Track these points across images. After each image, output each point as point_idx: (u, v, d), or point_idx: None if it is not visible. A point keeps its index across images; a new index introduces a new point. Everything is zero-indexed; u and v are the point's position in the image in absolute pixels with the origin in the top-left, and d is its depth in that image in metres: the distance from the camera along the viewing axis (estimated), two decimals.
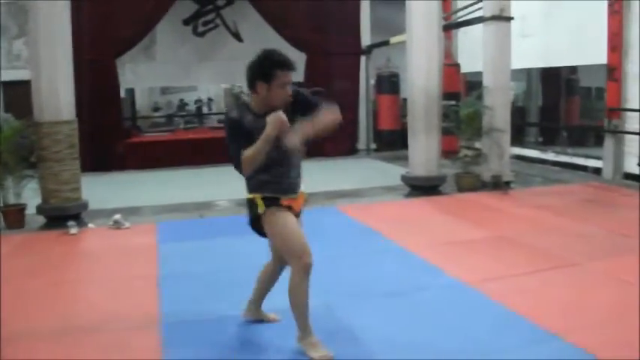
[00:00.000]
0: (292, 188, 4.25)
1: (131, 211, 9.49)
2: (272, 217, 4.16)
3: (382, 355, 4.33)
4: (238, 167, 4.04)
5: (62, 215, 8.65)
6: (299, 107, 4.13)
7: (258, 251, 6.98)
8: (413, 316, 5.02)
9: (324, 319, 4.80)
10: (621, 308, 5.08)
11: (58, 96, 8.67)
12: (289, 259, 4.19)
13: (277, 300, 4.66)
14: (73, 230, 8.23)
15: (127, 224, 8.57)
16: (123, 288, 5.97)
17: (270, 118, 3.89)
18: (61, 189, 8.76)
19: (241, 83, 23.03)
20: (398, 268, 6.31)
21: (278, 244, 4.24)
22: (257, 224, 4.26)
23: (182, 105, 23.29)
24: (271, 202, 4.15)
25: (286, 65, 4.01)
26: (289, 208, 4.20)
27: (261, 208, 4.15)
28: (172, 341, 4.60)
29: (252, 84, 4.05)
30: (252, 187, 4.20)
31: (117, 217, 8.61)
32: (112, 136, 14.41)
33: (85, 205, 9.09)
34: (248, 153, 3.93)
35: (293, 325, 4.34)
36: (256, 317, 4.92)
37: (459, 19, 14.31)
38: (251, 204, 4.22)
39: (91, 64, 13.42)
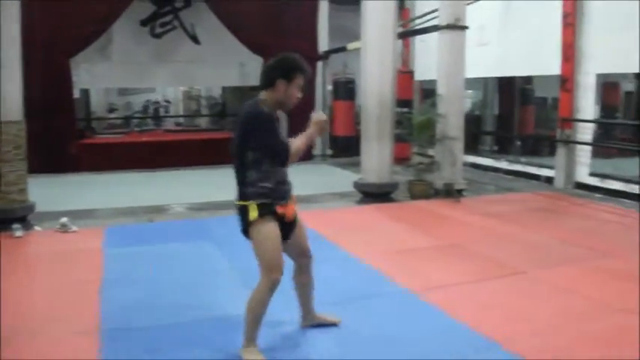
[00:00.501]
0: (287, 194, 4.35)
1: (80, 214, 9.31)
2: (260, 226, 4.19)
3: None
4: (285, 157, 4.16)
5: (8, 217, 8.43)
6: None
7: (203, 257, 7.01)
8: (356, 325, 4.96)
9: (267, 328, 4.77)
10: (562, 317, 5.13)
11: (4, 96, 8.48)
12: (261, 270, 4.22)
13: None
14: (18, 233, 8.06)
15: (75, 228, 8.40)
16: (64, 293, 5.83)
17: (316, 120, 4.26)
18: (7, 190, 8.57)
19: (199, 86, 23.02)
20: (345, 277, 6.25)
21: (257, 252, 4.24)
22: (248, 231, 4.28)
23: (146, 106, 23.16)
24: (266, 210, 4.19)
25: (305, 70, 4.28)
26: (282, 216, 4.26)
27: (253, 215, 4.17)
28: (110, 348, 4.51)
29: (271, 81, 4.19)
30: (247, 194, 4.20)
31: (64, 220, 8.44)
32: (64, 137, 14.11)
33: (31, 208, 8.91)
34: (297, 146, 4.17)
35: (234, 333, 4.30)
36: (314, 323, 4.89)
37: (417, 27, 14.37)
38: (244, 211, 4.21)
39: (43, 63, 13.21)
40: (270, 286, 4.19)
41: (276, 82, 4.17)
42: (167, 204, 10.28)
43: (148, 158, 14.83)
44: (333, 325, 4.90)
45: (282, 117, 4.35)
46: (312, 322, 4.88)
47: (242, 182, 4.21)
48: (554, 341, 4.61)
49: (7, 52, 8.54)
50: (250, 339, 4.27)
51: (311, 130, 4.23)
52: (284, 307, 4.85)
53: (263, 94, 4.22)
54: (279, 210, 4.23)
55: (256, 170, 4.14)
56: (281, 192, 4.27)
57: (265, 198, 4.17)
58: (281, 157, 4.14)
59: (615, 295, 5.64)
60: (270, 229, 4.20)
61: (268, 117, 4.12)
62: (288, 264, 4.46)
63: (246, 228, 4.24)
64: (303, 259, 4.65)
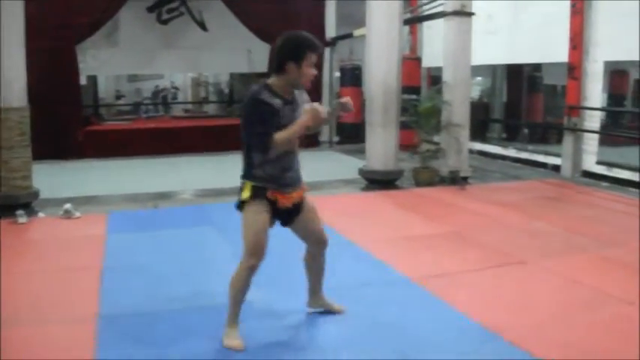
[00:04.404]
0: (292, 181, 4.37)
1: (85, 201, 9.34)
2: (250, 207, 4.24)
3: (314, 352, 4.31)
4: (265, 148, 4.10)
5: (12, 204, 8.44)
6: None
7: (206, 243, 7.00)
8: (354, 312, 4.93)
9: (260, 315, 4.79)
10: (564, 307, 5.09)
11: (8, 83, 8.48)
12: (244, 251, 4.25)
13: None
14: (22, 219, 8.07)
15: (78, 214, 8.40)
16: (64, 280, 5.82)
17: (308, 110, 4.12)
18: (11, 177, 8.59)
19: (207, 72, 23.00)
20: (344, 264, 6.16)
21: (243, 233, 4.26)
22: (240, 208, 4.32)
23: (155, 92, 23.19)
24: (258, 193, 4.21)
25: (315, 46, 4.23)
26: (274, 202, 4.26)
27: (245, 195, 4.22)
28: (106, 335, 4.50)
29: (280, 66, 4.17)
30: (247, 174, 4.27)
31: (67, 206, 8.44)
32: (71, 124, 14.13)
33: (35, 194, 8.92)
34: (282, 135, 4.08)
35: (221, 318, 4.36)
36: (319, 307, 4.93)
37: (424, 14, 14.28)
38: (241, 188, 4.28)
39: (49, 50, 13.22)
40: (249, 270, 4.23)
41: (286, 66, 4.14)
42: (173, 190, 10.29)
43: (155, 145, 14.81)
44: (338, 313, 4.89)
45: (300, 94, 4.36)
46: (316, 306, 4.91)
47: (246, 163, 4.26)
48: (556, 332, 4.56)
49: (10, 39, 8.52)
50: (232, 319, 4.34)
51: (303, 118, 4.13)
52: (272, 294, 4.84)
53: (272, 79, 4.21)
54: (271, 195, 4.22)
55: (260, 154, 4.15)
56: (284, 179, 4.27)
57: (260, 182, 4.21)
58: (261, 144, 4.10)
59: (619, 285, 5.56)
60: (257, 215, 4.22)
61: (261, 103, 4.08)
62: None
63: (239, 204, 4.29)
64: (314, 245, 4.67)
